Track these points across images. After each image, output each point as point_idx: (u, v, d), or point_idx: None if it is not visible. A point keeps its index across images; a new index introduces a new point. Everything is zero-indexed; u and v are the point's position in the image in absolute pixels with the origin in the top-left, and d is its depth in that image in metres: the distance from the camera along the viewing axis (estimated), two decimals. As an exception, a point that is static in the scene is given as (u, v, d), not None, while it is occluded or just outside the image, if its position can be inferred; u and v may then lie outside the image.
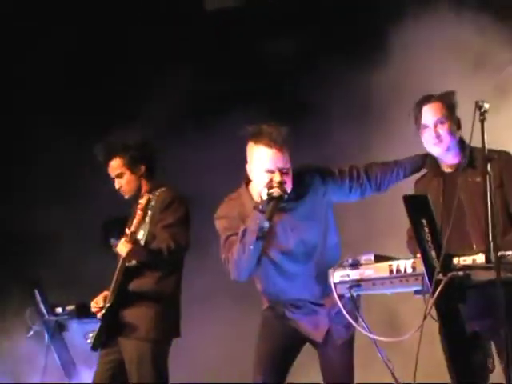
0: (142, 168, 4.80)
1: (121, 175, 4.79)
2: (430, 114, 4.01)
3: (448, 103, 4.03)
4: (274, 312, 4.22)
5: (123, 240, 4.52)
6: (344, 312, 3.81)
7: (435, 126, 3.99)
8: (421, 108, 4.03)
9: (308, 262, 4.12)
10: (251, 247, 3.94)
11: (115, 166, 4.79)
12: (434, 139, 3.99)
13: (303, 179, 4.12)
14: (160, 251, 4.53)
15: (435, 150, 4.03)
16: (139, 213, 4.53)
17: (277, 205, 3.92)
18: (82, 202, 6.76)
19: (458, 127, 4.04)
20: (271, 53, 6.57)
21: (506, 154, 3.99)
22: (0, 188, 7.18)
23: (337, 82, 6.11)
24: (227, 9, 7.06)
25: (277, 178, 3.96)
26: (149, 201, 4.58)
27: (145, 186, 4.79)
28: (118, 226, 4.90)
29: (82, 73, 7.03)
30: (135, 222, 4.52)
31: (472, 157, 3.88)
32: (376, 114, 6.08)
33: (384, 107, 5.85)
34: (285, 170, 4.00)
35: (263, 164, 4.00)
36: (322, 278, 4.00)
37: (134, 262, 4.63)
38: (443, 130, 3.99)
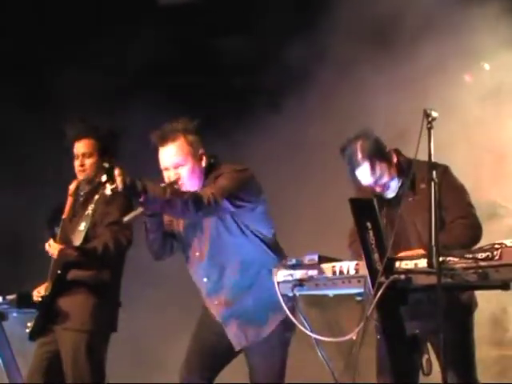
0: (108, 158, 4.79)
1: (89, 155, 4.79)
2: (365, 177, 4.02)
3: (374, 154, 4.01)
4: None
5: (52, 242, 4.55)
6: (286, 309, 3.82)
7: (375, 183, 4.03)
8: (353, 171, 4.03)
9: None
10: None
11: (87, 144, 4.79)
12: (381, 190, 4.05)
13: None
14: (94, 250, 4.54)
15: (387, 195, 4.08)
16: (69, 198, 4.61)
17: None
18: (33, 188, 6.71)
19: (390, 163, 4.05)
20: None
21: (445, 166, 4.04)
22: None
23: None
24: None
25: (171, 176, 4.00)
26: (77, 186, 4.66)
27: (99, 177, 4.78)
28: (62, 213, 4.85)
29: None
30: (66, 208, 4.58)
31: (413, 178, 3.95)
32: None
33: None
34: (175, 165, 4.01)
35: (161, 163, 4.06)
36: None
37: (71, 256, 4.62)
38: (384, 180, 4.02)
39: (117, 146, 4.88)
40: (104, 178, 3.66)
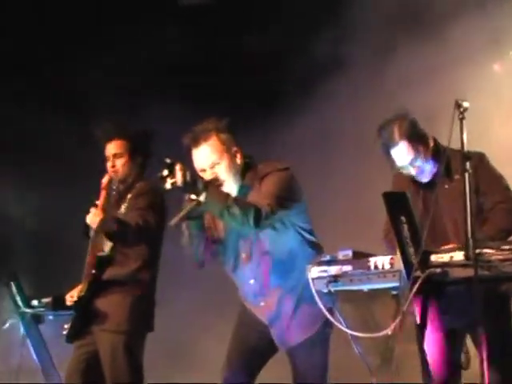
0: (140, 159, 4.83)
1: (120, 156, 4.80)
2: (401, 157, 4.03)
3: (411, 134, 4.02)
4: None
5: (93, 210, 4.53)
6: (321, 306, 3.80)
7: (411, 164, 4.03)
8: (389, 153, 4.05)
9: None
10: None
11: (117, 145, 4.81)
12: (417, 174, 4.05)
13: None
14: (129, 224, 4.52)
15: (421, 178, 4.08)
16: (102, 192, 4.60)
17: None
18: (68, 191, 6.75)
19: (427, 145, 4.05)
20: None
21: (480, 154, 4.01)
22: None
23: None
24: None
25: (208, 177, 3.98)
26: (110, 180, 4.67)
27: (132, 176, 4.82)
28: None
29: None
30: (99, 201, 4.56)
31: (449, 165, 3.95)
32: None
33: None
34: (211, 165, 4.01)
35: (195, 165, 4.05)
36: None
37: (106, 250, 4.62)
38: (420, 163, 4.03)
39: (148, 145, 4.88)
40: (165, 172, 3.73)
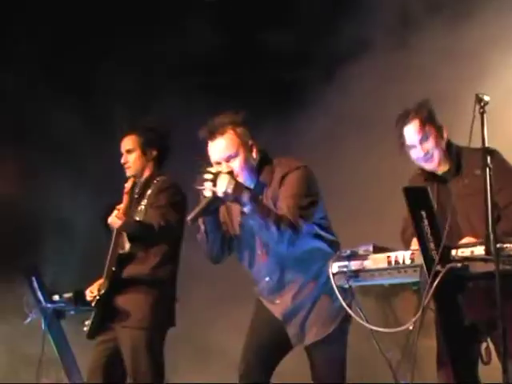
0: (154, 153, 4.83)
1: (131, 151, 4.82)
2: (412, 133, 4.03)
3: (426, 117, 4.03)
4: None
5: (115, 212, 4.53)
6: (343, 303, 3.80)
7: (420, 144, 4.02)
8: (401, 129, 4.05)
9: None
10: None
11: (129, 141, 4.83)
12: (424, 158, 4.04)
13: None
14: (151, 226, 4.53)
15: (428, 166, 4.07)
16: (125, 197, 4.58)
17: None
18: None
19: (440, 133, 4.06)
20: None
21: (494, 150, 4.00)
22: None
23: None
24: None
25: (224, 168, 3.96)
26: (133, 185, 4.64)
27: (148, 171, 4.82)
28: None
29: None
30: (122, 205, 4.55)
31: (459, 163, 3.97)
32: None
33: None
34: (226, 158, 4.00)
35: (211, 158, 4.04)
36: None
37: (126, 248, 4.64)
38: (429, 145, 4.02)
39: (162, 138, 4.87)
40: (208, 180, 3.78)
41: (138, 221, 4.59)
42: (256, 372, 4.15)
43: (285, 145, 6.01)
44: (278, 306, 4.12)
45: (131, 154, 4.81)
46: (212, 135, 4.03)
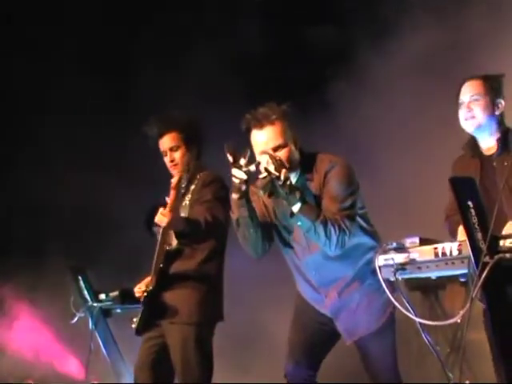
0: (195, 149, 4.81)
1: (176, 148, 4.77)
2: (467, 90, 4.06)
3: (490, 82, 4.04)
4: None
5: (162, 210, 4.50)
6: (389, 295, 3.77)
7: (469, 102, 4.03)
8: (461, 85, 4.08)
9: None
10: None
11: (172, 138, 4.77)
12: (465, 114, 4.04)
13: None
14: (198, 222, 4.51)
15: (467, 125, 4.07)
16: (172, 192, 4.54)
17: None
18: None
19: (497, 108, 4.04)
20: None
21: None
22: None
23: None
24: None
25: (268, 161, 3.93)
26: (180, 179, 4.58)
27: (192, 166, 4.80)
28: None
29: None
30: (169, 201, 4.52)
31: (507, 140, 3.92)
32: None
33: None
34: (275, 147, 3.98)
35: (255, 148, 4.01)
36: None
37: (173, 244, 4.65)
38: (477, 107, 4.02)
39: (201, 132, 4.85)
40: (265, 176, 3.82)
41: (185, 218, 4.58)
42: (303, 367, 4.14)
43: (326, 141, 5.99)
44: (326, 301, 4.10)
45: (176, 152, 4.78)
46: (260, 123, 3.99)
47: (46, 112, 7.27)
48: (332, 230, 3.87)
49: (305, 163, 4.08)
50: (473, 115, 4.03)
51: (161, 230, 4.61)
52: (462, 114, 4.07)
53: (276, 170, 3.85)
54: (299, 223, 3.91)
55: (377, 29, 6.40)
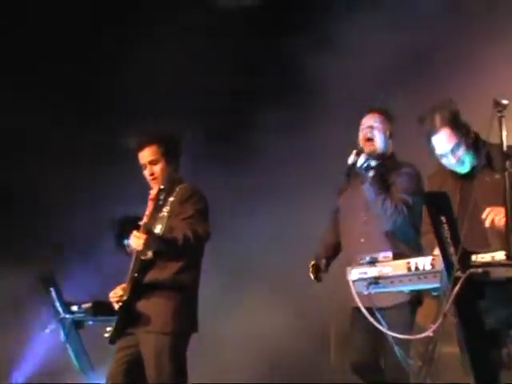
0: (174, 161, 4.82)
1: (156, 162, 4.77)
2: (442, 144, 4.07)
3: (451, 125, 4.05)
4: None
5: (135, 233, 4.50)
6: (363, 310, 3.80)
7: (452, 152, 4.07)
8: (430, 140, 4.09)
9: None
10: None
11: (151, 152, 4.77)
12: (456, 163, 4.08)
13: None
14: (175, 240, 4.51)
15: (460, 169, 4.11)
16: (150, 203, 4.53)
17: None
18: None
19: (468, 135, 4.07)
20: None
21: None
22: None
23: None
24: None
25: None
26: (159, 192, 4.58)
27: (170, 180, 4.80)
28: (131, 225, 4.80)
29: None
30: (147, 212, 4.51)
31: (489, 157, 3.93)
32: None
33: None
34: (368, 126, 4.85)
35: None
36: None
37: (149, 255, 4.64)
38: (460, 153, 4.06)
39: (180, 145, 4.86)
40: (354, 156, 4.68)
41: (160, 237, 4.54)
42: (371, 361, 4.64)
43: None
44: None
45: (156, 166, 4.78)
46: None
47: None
48: (397, 209, 4.61)
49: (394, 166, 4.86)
50: (462, 161, 4.07)
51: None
52: (450, 163, 4.09)
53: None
54: (367, 191, 4.68)
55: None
